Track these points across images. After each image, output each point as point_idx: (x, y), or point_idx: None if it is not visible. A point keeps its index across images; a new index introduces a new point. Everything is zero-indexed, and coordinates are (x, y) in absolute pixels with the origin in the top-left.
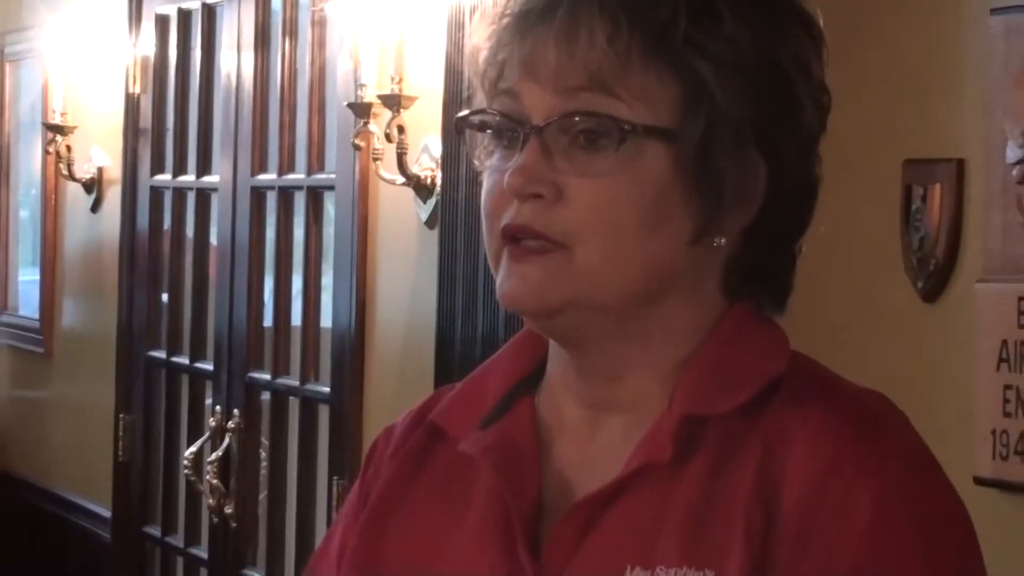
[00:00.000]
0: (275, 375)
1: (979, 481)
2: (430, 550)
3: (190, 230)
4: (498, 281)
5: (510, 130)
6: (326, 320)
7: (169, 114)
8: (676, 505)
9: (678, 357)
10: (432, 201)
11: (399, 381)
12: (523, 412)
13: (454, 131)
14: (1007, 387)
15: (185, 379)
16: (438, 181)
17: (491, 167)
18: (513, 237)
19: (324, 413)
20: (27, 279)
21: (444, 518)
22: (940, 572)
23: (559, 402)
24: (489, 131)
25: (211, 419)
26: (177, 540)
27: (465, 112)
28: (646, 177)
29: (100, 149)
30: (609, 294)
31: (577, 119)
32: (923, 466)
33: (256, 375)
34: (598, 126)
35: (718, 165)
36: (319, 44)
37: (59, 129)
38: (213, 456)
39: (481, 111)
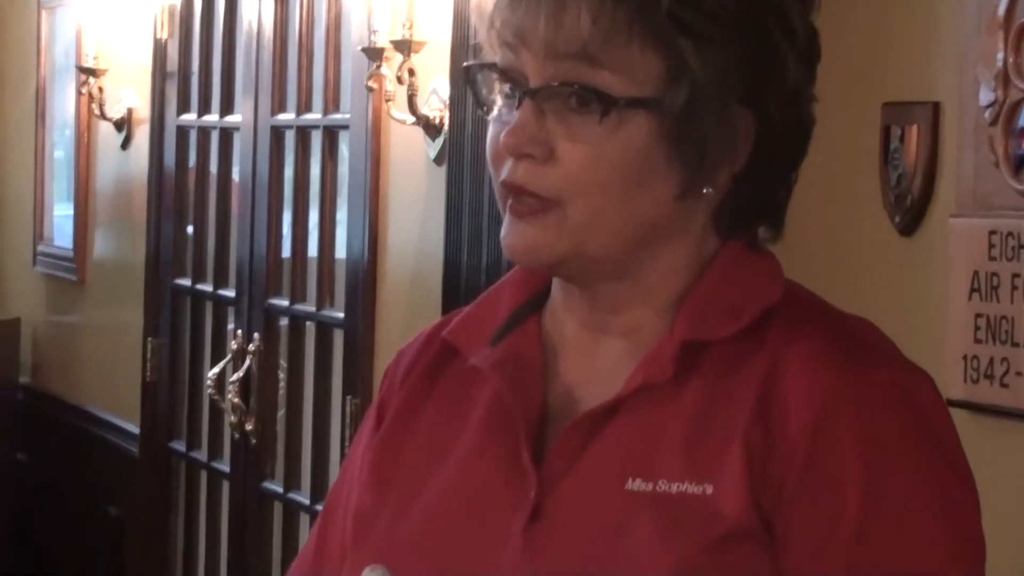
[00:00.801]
0: (293, 302)
1: (951, 403)
2: (437, 458)
3: (214, 167)
4: (502, 231)
5: (510, 83)
6: (340, 251)
7: (194, 58)
8: (676, 422)
9: (675, 291)
10: (440, 140)
11: (408, 307)
12: (530, 330)
13: (462, 78)
14: (978, 315)
15: (209, 305)
16: (446, 121)
17: (495, 117)
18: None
19: (338, 337)
20: (61, 214)
21: (452, 429)
22: (943, 466)
23: (563, 322)
24: (496, 75)
25: (233, 342)
26: (201, 455)
27: (472, 62)
28: (630, 143)
29: (130, 90)
30: (599, 247)
31: (563, 88)
32: (915, 386)
33: (275, 302)
34: (583, 96)
35: (700, 131)
36: None
37: (92, 72)
38: (235, 377)
39: (486, 64)
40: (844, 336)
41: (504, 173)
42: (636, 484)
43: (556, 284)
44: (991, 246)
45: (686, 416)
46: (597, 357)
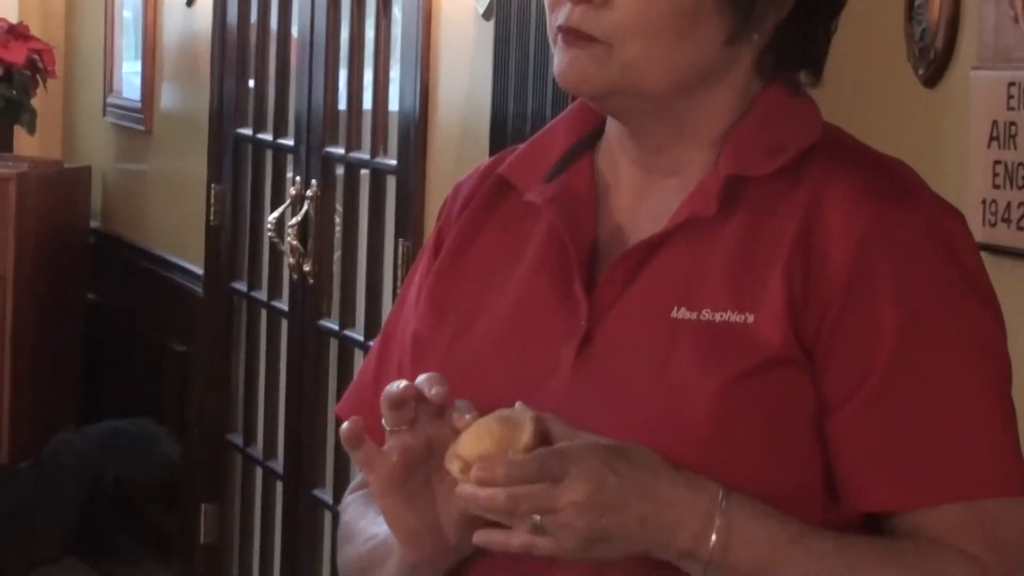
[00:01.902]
0: (348, 150)
1: None
2: (492, 287)
3: (274, 24)
4: (555, 63)
5: None
6: (394, 105)
7: None
8: (720, 254)
9: (720, 130)
10: None
11: (457, 154)
12: (583, 167)
13: None
14: (996, 162)
15: (269, 153)
16: None
17: None
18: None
19: (391, 183)
20: (130, 71)
21: (507, 260)
22: (971, 294)
23: (616, 160)
24: None
25: (291, 188)
26: (261, 294)
27: None
28: None
29: None
30: (647, 86)
31: None
32: (948, 223)
33: (332, 150)
34: None
35: None
36: None
37: None
38: (293, 220)
39: None
40: (881, 175)
41: (560, 18)
42: (681, 313)
43: (610, 122)
44: (1010, 97)
45: (729, 249)
46: (646, 194)
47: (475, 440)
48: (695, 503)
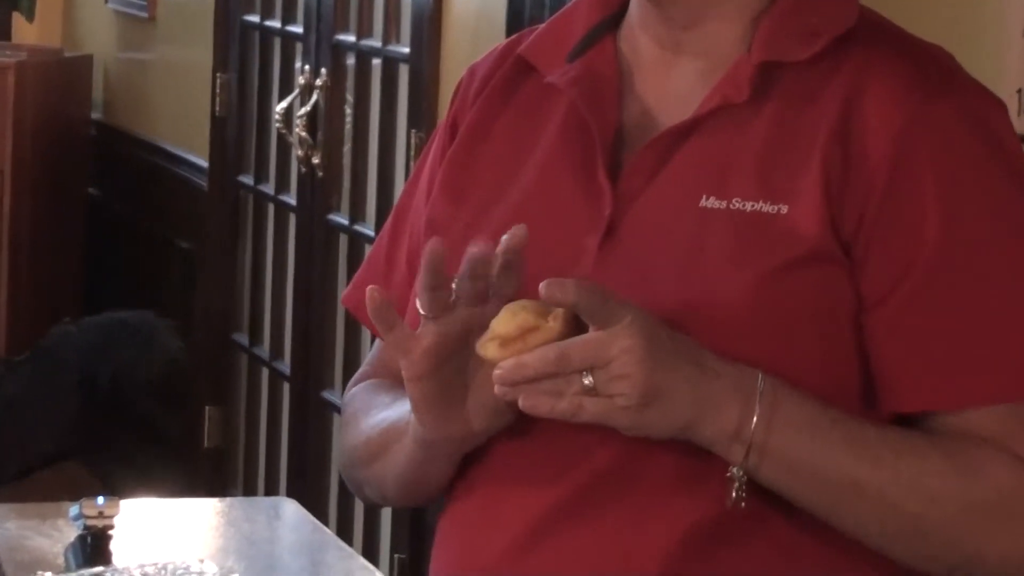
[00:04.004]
0: (359, 37)
1: None
2: (511, 172)
3: None
4: None
5: None
6: None
7: None
8: (752, 143)
9: (750, 12)
10: None
11: (473, 41)
12: (606, 48)
13: None
14: None
15: (277, 41)
16: None
17: None
18: None
19: (404, 72)
20: None
21: (527, 145)
22: (1014, 185)
23: (638, 42)
24: None
25: (300, 77)
26: (268, 188)
27: None
28: None
29: None
30: None
31: None
32: (989, 111)
33: (342, 37)
34: None
35: None
36: None
37: None
38: (302, 111)
39: None
40: (921, 62)
41: None
42: (710, 202)
43: (634, 2)
44: None
45: (762, 138)
46: (673, 78)
47: (510, 316)
48: (737, 381)
